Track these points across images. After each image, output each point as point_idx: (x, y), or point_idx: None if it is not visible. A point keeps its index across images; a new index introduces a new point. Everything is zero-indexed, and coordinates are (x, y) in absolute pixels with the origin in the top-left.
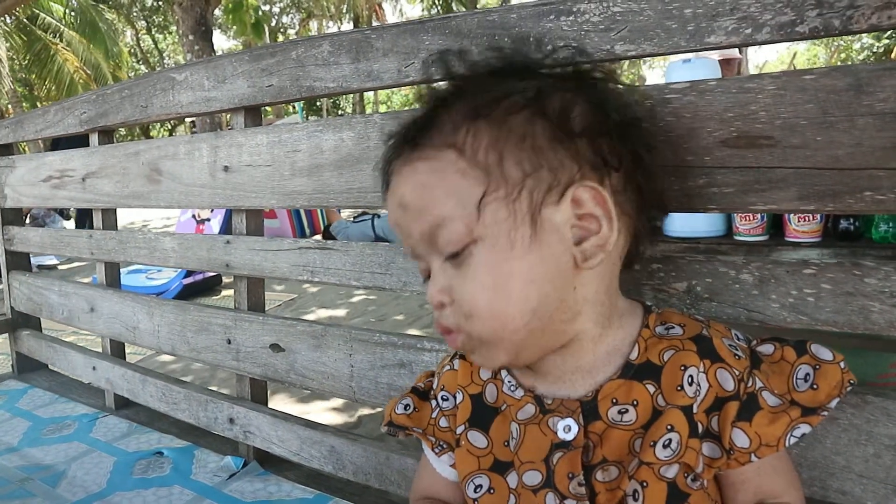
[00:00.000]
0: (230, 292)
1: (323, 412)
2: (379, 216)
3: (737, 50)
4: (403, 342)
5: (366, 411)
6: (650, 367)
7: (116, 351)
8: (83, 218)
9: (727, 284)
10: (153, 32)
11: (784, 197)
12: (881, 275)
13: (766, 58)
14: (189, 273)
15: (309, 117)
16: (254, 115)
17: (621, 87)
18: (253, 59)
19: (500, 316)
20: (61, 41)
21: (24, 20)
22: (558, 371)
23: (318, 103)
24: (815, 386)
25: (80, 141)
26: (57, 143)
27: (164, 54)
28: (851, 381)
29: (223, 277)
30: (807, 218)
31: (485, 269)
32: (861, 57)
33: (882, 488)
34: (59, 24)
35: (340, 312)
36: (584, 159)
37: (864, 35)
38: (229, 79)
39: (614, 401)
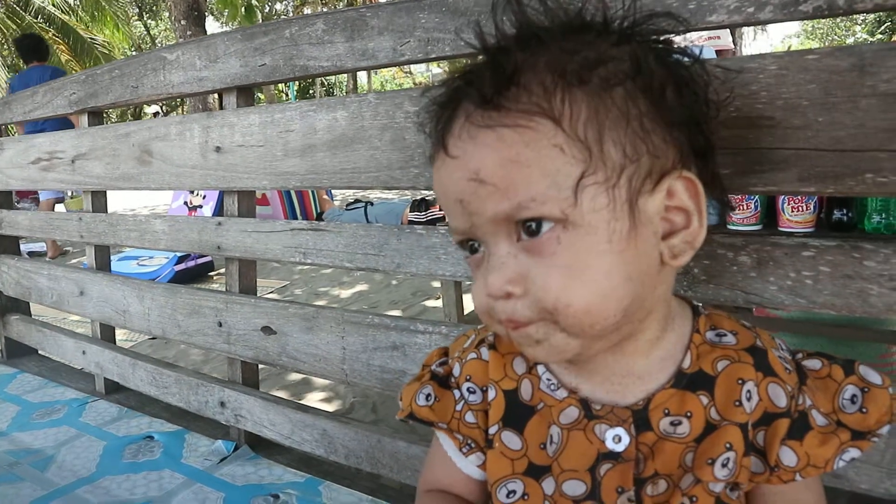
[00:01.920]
0: (224, 279)
1: (316, 402)
2: (372, 203)
3: (730, 40)
4: (396, 324)
5: (358, 397)
6: (703, 377)
7: (107, 335)
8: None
9: (725, 266)
10: (145, 18)
11: (784, 178)
12: (880, 258)
13: (759, 50)
14: (181, 259)
15: None
16: (246, 95)
17: (701, 66)
18: (246, 37)
19: (594, 313)
20: (52, 27)
21: (15, 6)
22: (607, 371)
23: (311, 91)
24: (864, 410)
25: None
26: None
27: (157, 41)
28: None
29: (215, 264)
30: (800, 208)
31: (581, 261)
32: None
33: (877, 471)
34: (52, 10)
35: (331, 300)
36: (680, 145)
37: (858, 30)
38: (221, 58)
39: (666, 411)
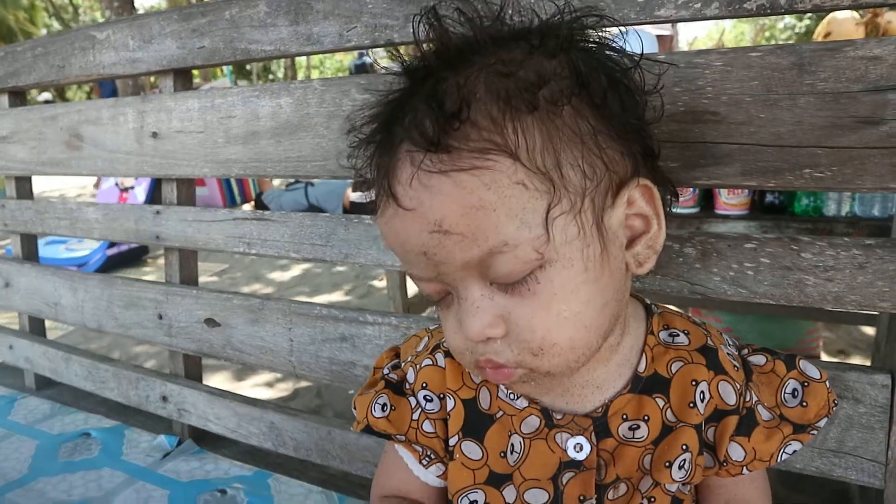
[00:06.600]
0: (160, 262)
1: (260, 386)
2: (312, 184)
3: (670, 26)
4: (345, 315)
5: (303, 383)
6: (658, 380)
7: (36, 328)
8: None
9: (671, 258)
10: None
11: (727, 172)
12: (816, 249)
13: (695, 34)
14: (113, 243)
15: (238, 82)
16: (184, 78)
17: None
18: (182, 18)
19: (579, 348)
20: None
21: None
22: (567, 383)
23: (248, 67)
24: (804, 403)
25: None
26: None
27: (80, 10)
28: (836, 401)
29: (150, 248)
30: (736, 192)
31: (561, 296)
32: (784, 37)
33: (808, 451)
34: None
35: (271, 284)
36: (632, 152)
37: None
38: (156, 39)
39: (624, 416)
